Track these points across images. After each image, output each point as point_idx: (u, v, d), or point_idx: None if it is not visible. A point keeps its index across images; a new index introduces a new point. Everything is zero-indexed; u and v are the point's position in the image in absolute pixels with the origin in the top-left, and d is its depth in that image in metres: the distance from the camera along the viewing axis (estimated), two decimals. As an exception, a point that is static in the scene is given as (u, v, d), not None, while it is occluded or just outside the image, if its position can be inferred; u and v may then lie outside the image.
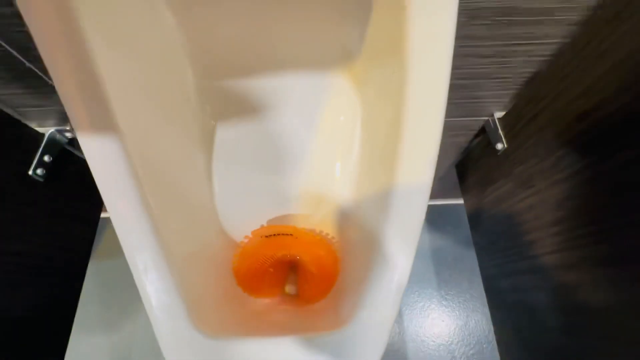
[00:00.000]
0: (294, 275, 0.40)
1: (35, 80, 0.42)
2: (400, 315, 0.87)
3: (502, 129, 0.52)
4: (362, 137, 0.37)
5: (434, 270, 0.92)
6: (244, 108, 0.36)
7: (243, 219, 0.38)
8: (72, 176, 0.58)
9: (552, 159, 0.43)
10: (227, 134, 0.37)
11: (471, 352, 0.85)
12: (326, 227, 0.38)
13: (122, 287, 0.89)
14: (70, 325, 0.58)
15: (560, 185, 0.42)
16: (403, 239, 0.29)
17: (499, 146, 0.53)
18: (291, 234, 0.36)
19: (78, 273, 0.60)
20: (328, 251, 0.36)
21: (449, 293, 0.89)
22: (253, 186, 0.38)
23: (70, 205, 0.57)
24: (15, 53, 0.38)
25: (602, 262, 0.36)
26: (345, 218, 0.38)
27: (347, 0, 0.30)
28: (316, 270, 0.36)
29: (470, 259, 0.91)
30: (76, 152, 0.59)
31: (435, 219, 0.97)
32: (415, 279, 0.91)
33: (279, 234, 0.36)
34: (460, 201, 0.93)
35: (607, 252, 0.36)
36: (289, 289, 0.39)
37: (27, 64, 0.39)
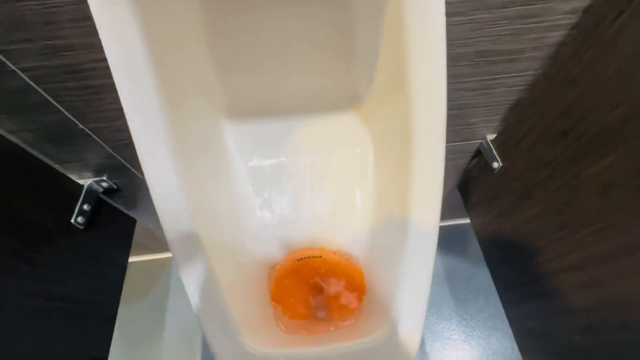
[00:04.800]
0: (323, 297, 0.43)
1: (83, 137, 0.48)
2: (421, 339, 0.87)
3: (496, 149, 0.58)
4: (375, 168, 0.42)
5: (449, 290, 0.93)
6: (270, 146, 0.42)
7: (273, 247, 0.42)
8: (106, 222, 0.62)
9: (545, 171, 0.48)
10: (250, 169, 0.42)
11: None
12: (350, 249, 0.42)
13: (145, 335, 0.90)
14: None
15: (556, 194, 0.47)
16: (421, 257, 0.33)
17: (495, 165, 0.58)
18: (320, 256, 0.40)
19: (110, 317, 0.62)
20: (354, 270, 0.40)
21: (467, 312, 0.90)
22: (279, 216, 0.42)
23: (104, 250, 0.61)
24: (71, 116, 0.44)
25: (606, 259, 0.40)
26: (366, 241, 0.42)
27: (357, 53, 0.37)
28: (344, 289, 0.40)
29: (483, 275, 0.93)
30: (109, 200, 0.64)
31: (444, 240, 1.00)
32: (432, 301, 0.92)
33: (308, 257, 0.40)
34: (467, 220, 0.97)
35: (607, 248, 0.40)
36: (319, 311, 0.42)
37: (80, 126, 0.46)
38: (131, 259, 0.97)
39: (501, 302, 0.71)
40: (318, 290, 0.42)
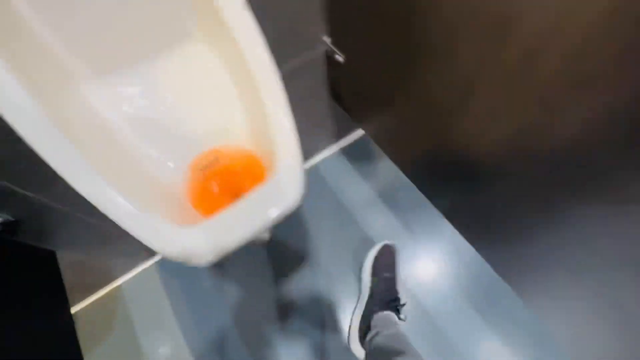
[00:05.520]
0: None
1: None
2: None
3: (335, 46, 0.70)
4: (230, 76, 0.49)
5: (387, 211, 1.00)
6: (137, 91, 0.47)
7: (177, 172, 0.48)
8: (20, 265, 0.59)
9: (378, 51, 0.59)
10: (128, 118, 0.47)
11: (462, 271, 0.92)
12: (237, 141, 0.50)
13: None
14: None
15: (399, 65, 0.57)
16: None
17: (340, 59, 0.70)
18: (216, 158, 0.47)
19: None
20: (249, 156, 0.48)
21: (410, 224, 0.97)
22: (169, 144, 0.48)
23: (34, 295, 0.58)
24: None
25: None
26: (245, 129, 0.49)
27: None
28: (251, 173, 0.48)
29: (403, 179, 0.88)
30: (14, 238, 0.61)
31: (355, 158, 1.06)
32: (378, 233, 0.97)
33: (210, 161, 0.47)
34: (361, 130, 1.07)
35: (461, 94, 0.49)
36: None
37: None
38: (78, 306, 0.91)
39: (426, 197, 0.77)
40: (235, 193, 0.49)
